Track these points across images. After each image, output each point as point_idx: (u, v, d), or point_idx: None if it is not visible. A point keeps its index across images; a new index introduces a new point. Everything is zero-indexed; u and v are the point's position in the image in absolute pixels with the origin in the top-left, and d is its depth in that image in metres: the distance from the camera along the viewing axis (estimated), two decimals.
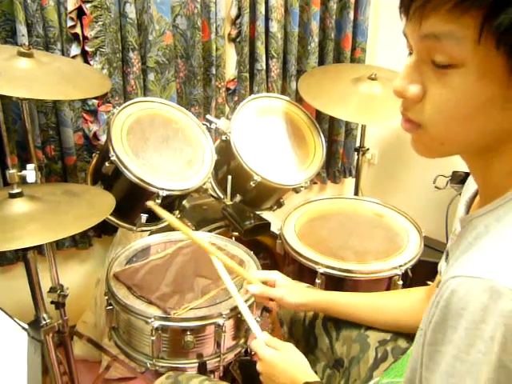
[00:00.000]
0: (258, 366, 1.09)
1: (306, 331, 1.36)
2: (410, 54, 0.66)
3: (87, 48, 1.90)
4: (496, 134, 0.62)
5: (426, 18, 0.58)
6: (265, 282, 1.28)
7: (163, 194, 1.61)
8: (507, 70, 0.56)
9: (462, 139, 0.64)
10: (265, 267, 1.68)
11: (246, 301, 1.37)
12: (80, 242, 2.12)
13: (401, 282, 1.62)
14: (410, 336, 1.24)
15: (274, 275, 1.30)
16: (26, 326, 1.30)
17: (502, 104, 0.59)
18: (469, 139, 0.64)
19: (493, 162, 0.66)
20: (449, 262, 0.73)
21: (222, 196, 1.97)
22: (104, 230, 2.18)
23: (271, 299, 1.26)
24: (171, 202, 1.77)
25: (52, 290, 1.61)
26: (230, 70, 2.37)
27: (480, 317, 0.54)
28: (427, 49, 0.61)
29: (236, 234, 1.81)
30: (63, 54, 1.86)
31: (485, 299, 0.54)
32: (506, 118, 0.60)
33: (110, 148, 1.60)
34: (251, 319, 1.18)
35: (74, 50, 1.89)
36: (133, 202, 1.71)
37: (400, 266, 1.64)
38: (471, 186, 0.84)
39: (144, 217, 1.70)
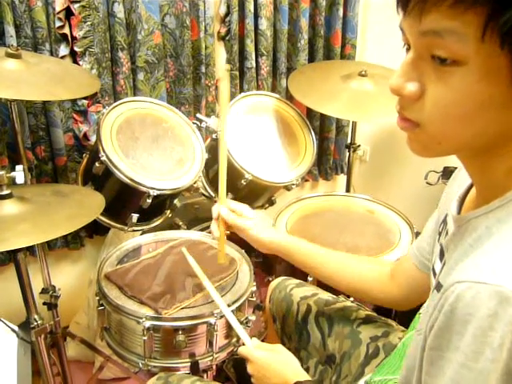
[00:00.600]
0: (249, 369, 1.09)
1: (298, 327, 1.37)
2: (407, 49, 0.64)
3: (76, 48, 1.90)
4: (496, 133, 0.61)
5: (427, 13, 0.56)
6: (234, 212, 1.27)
7: (154, 193, 1.61)
8: (510, 71, 0.55)
9: (460, 139, 0.62)
10: (257, 265, 1.69)
11: (233, 303, 1.38)
12: (72, 242, 2.12)
13: None
14: (401, 332, 1.24)
15: (243, 206, 1.29)
16: (16, 328, 1.29)
17: (504, 104, 0.57)
18: (467, 139, 0.62)
19: (492, 161, 0.65)
20: (446, 262, 0.72)
21: (213, 195, 1.97)
22: (96, 230, 2.17)
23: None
24: (162, 202, 1.77)
25: (44, 291, 1.61)
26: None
27: (488, 324, 0.53)
28: (427, 45, 0.59)
29: (228, 232, 1.81)
30: (52, 55, 1.85)
31: (492, 305, 0.53)
32: (506, 118, 0.59)
33: (100, 148, 1.59)
34: (238, 326, 1.19)
35: (63, 50, 1.88)
36: (124, 201, 1.70)
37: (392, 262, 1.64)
38: (463, 181, 0.82)
39: (135, 216, 1.70)
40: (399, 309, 1.11)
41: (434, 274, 0.80)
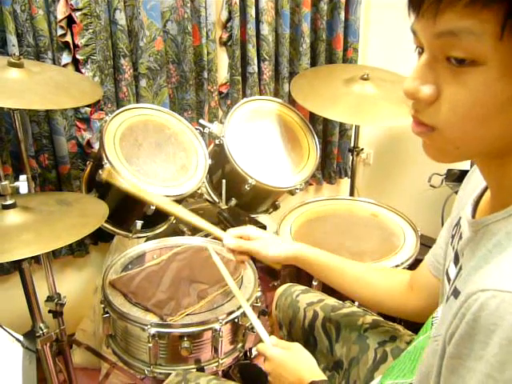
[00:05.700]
0: (266, 366, 1.08)
1: (305, 333, 1.36)
2: (420, 52, 0.62)
3: (78, 56, 1.90)
4: None
5: (442, 13, 0.54)
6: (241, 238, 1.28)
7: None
8: None
9: (479, 142, 0.60)
10: (262, 271, 1.68)
11: (237, 309, 1.38)
12: (76, 249, 2.12)
13: None
14: (408, 337, 1.23)
15: (248, 229, 1.29)
16: (20, 338, 1.29)
17: None
18: (486, 142, 0.60)
19: (509, 165, 0.63)
20: (462, 267, 0.70)
21: (217, 200, 1.97)
22: (100, 237, 2.18)
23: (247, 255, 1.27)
24: None
25: (49, 299, 1.61)
26: (222, 73, 2.38)
27: None
28: (442, 46, 0.57)
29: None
30: (54, 63, 1.86)
31: None
32: None
33: (103, 155, 1.60)
34: (257, 323, 1.18)
35: (65, 58, 1.89)
36: (128, 208, 1.70)
37: (397, 265, 1.64)
38: (477, 184, 0.80)
39: (139, 223, 1.70)
40: (419, 320, 1.08)
41: (449, 279, 0.79)
